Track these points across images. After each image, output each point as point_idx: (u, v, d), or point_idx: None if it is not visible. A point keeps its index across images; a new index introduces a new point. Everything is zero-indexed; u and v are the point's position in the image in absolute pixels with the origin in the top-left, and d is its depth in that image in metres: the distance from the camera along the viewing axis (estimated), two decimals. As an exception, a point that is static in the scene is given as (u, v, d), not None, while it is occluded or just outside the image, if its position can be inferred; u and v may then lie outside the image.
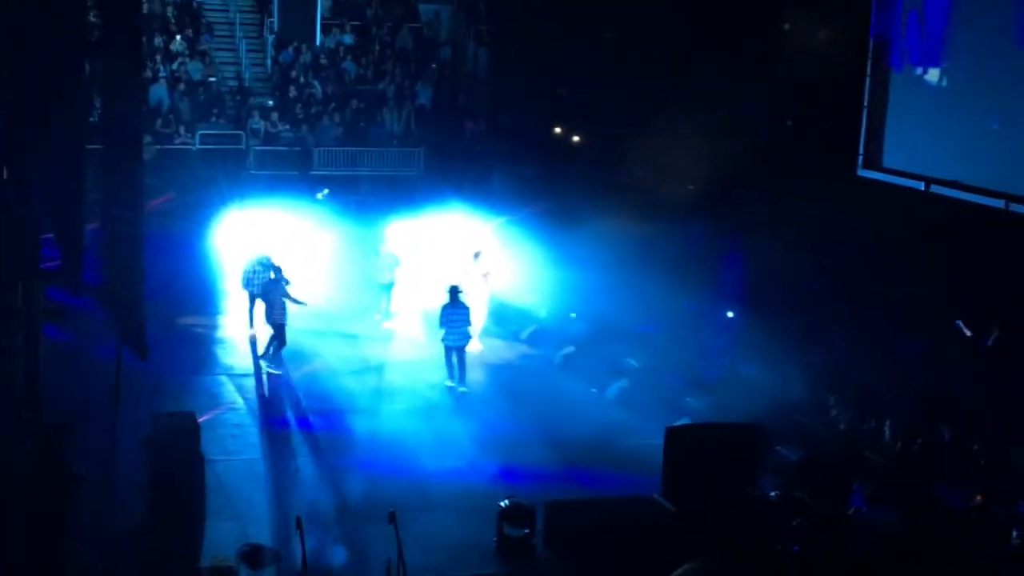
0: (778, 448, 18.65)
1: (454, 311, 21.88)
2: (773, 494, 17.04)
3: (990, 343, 19.88)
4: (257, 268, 23.56)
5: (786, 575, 15.40)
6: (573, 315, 24.71)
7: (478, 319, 23.56)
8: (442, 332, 21.96)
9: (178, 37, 32.76)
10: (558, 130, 32.08)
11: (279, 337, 22.12)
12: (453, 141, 32.72)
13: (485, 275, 23.66)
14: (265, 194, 27.98)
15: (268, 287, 22.52)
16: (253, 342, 23.47)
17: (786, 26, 27.28)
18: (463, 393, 21.87)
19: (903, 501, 16.54)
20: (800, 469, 18.19)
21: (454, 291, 22.00)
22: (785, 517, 16.35)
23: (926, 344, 21.11)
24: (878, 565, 15.57)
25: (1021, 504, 15.84)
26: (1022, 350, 19.92)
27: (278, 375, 21.91)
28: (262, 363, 22.23)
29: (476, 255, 24.03)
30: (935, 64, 21.87)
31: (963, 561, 15.60)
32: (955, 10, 21.40)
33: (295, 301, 22.35)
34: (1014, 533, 15.38)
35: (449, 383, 21.96)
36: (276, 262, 22.88)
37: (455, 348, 21.90)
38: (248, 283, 23.89)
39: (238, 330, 24.35)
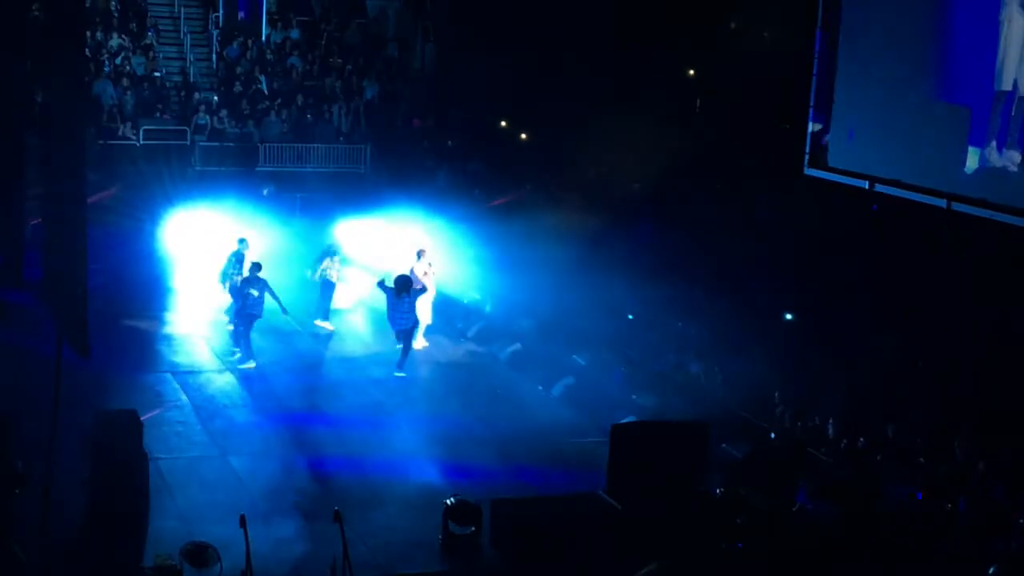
0: (723, 445, 18.72)
1: (398, 299, 22.12)
2: (718, 491, 17.10)
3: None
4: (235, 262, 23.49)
5: (730, 572, 15.46)
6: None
7: (424, 316, 23.55)
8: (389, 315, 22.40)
9: (121, 32, 32.48)
10: (504, 125, 32.08)
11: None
12: (400, 138, 32.64)
13: (427, 273, 23.61)
14: (210, 190, 27.79)
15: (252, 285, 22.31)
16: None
17: (732, 25, 27.43)
18: (400, 377, 22.16)
19: (847, 498, 16.64)
20: (745, 466, 18.26)
21: (401, 280, 22.26)
22: (729, 514, 16.42)
23: (871, 341, 21.29)
24: (821, 562, 15.66)
25: (962, 501, 15.99)
26: (962, 349, 20.14)
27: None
28: None
29: (419, 253, 23.97)
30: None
31: (904, 558, 15.73)
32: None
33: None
34: (957, 530, 15.52)
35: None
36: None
37: (400, 332, 22.26)
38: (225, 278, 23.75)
39: (182, 327, 24.20)
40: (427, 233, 26.50)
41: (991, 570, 14.61)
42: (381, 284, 22.41)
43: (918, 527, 16.12)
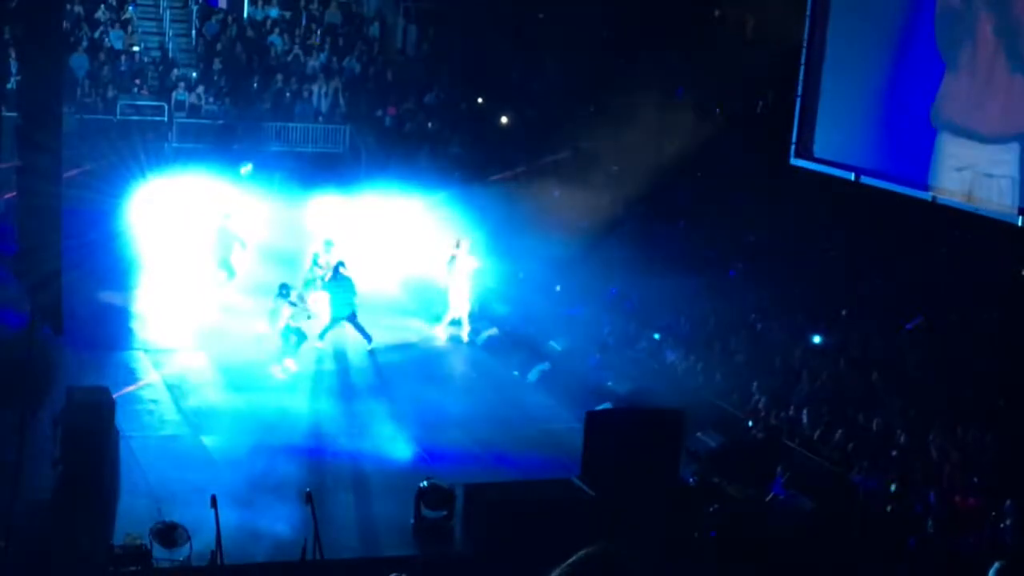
0: (698, 434, 18.69)
1: (336, 283, 22.33)
2: (691, 479, 17.08)
3: (910, 327, 20.08)
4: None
5: (702, 560, 15.45)
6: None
7: (462, 306, 23.40)
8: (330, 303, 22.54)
9: (100, 5, 32.21)
10: (486, 110, 31.93)
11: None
12: (380, 119, 32.46)
13: (466, 266, 23.37)
14: (186, 167, 27.62)
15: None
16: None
17: (717, 12, 27.35)
18: (371, 349, 22.43)
19: (820, 488, 16.64)
20: (719, 455, 18.26)
21: (338, 266, 22.53)
22: (702, 502, 16.40)
23: (849, 332, 21.27)
24: (793, 551, 15.66)
25: (932, 494, 16.00)
26: (941, 341, 20.16)
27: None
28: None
29: (458, 243, 23.63)
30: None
31: (876, 547, 15.74)
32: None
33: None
34: (928, 522, 15.53)
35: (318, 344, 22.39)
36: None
37: (343, 317, 22.39)
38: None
39: (156, 305, 24.07)
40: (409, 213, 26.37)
41: (994, 566, 14.58)
42: None
43: (890, 519, 16.14)
